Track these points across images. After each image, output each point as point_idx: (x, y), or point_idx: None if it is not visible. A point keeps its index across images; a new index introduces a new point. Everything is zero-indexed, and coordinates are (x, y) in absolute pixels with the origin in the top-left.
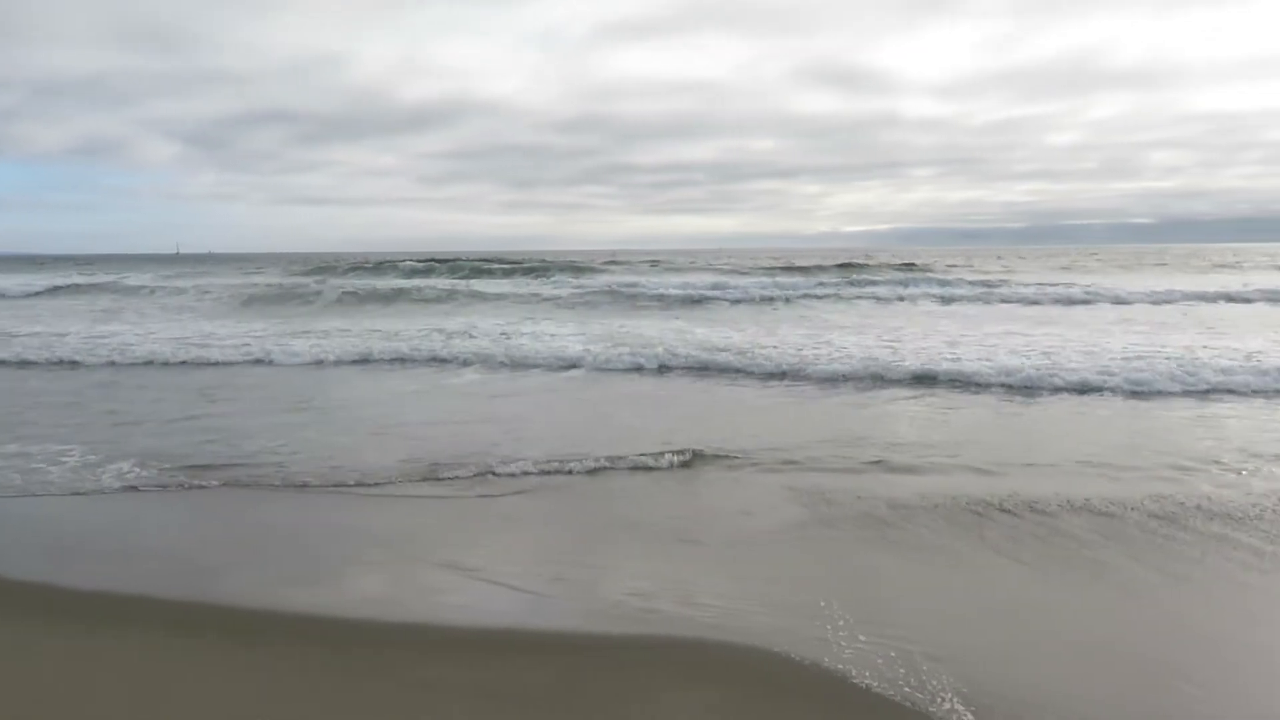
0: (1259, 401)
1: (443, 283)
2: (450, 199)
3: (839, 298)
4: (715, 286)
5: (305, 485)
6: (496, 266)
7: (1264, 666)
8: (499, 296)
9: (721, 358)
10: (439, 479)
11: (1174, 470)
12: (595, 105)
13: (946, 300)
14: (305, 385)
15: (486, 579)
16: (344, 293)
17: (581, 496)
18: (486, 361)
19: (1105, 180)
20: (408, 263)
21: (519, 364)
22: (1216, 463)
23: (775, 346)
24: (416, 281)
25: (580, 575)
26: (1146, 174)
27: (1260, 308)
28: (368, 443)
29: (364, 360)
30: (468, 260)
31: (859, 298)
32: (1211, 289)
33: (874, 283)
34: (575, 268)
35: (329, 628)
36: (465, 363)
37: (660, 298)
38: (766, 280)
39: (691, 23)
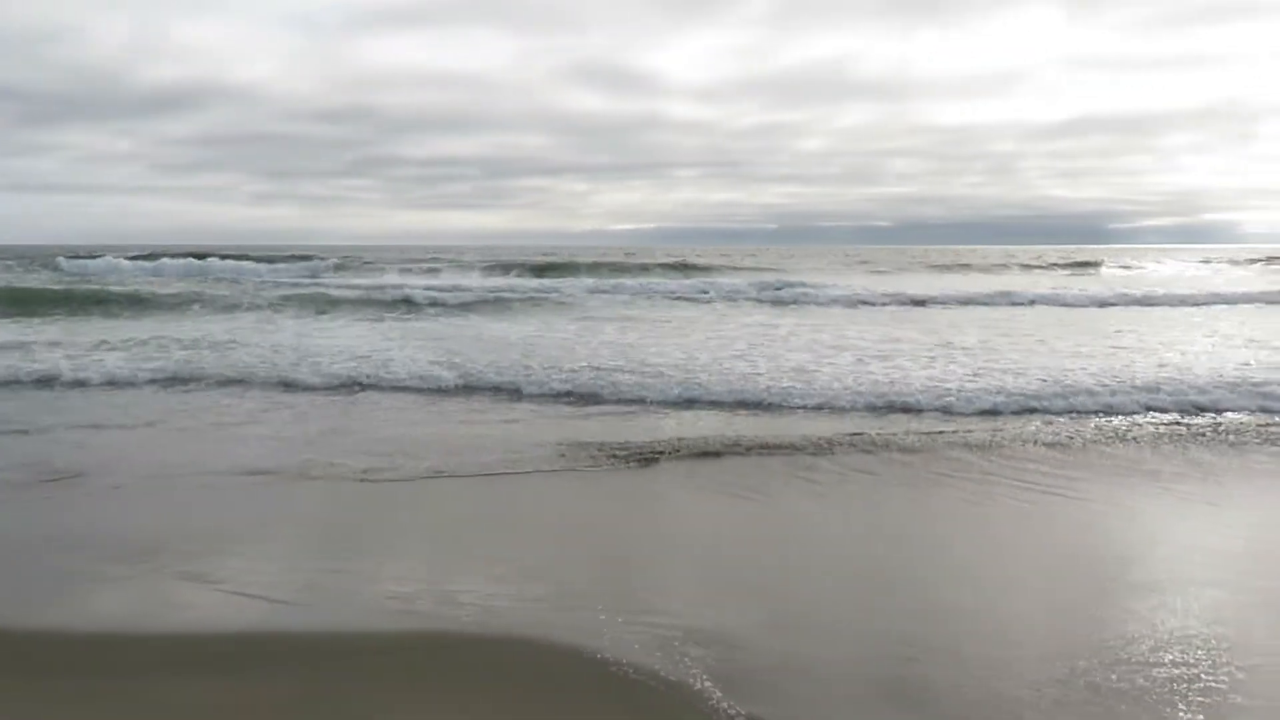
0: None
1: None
2: (196, 188)
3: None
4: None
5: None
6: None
7: (1013, 595)
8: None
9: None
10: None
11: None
12: (358, 95)
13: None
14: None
15: (231, 589)
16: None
17: (337, 499)
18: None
19: (850, 185)
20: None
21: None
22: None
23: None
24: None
25: (335, 580)
26: (886, 180)
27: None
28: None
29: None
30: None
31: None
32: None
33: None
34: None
35: (38, 645)
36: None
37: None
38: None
39: (461, 14)
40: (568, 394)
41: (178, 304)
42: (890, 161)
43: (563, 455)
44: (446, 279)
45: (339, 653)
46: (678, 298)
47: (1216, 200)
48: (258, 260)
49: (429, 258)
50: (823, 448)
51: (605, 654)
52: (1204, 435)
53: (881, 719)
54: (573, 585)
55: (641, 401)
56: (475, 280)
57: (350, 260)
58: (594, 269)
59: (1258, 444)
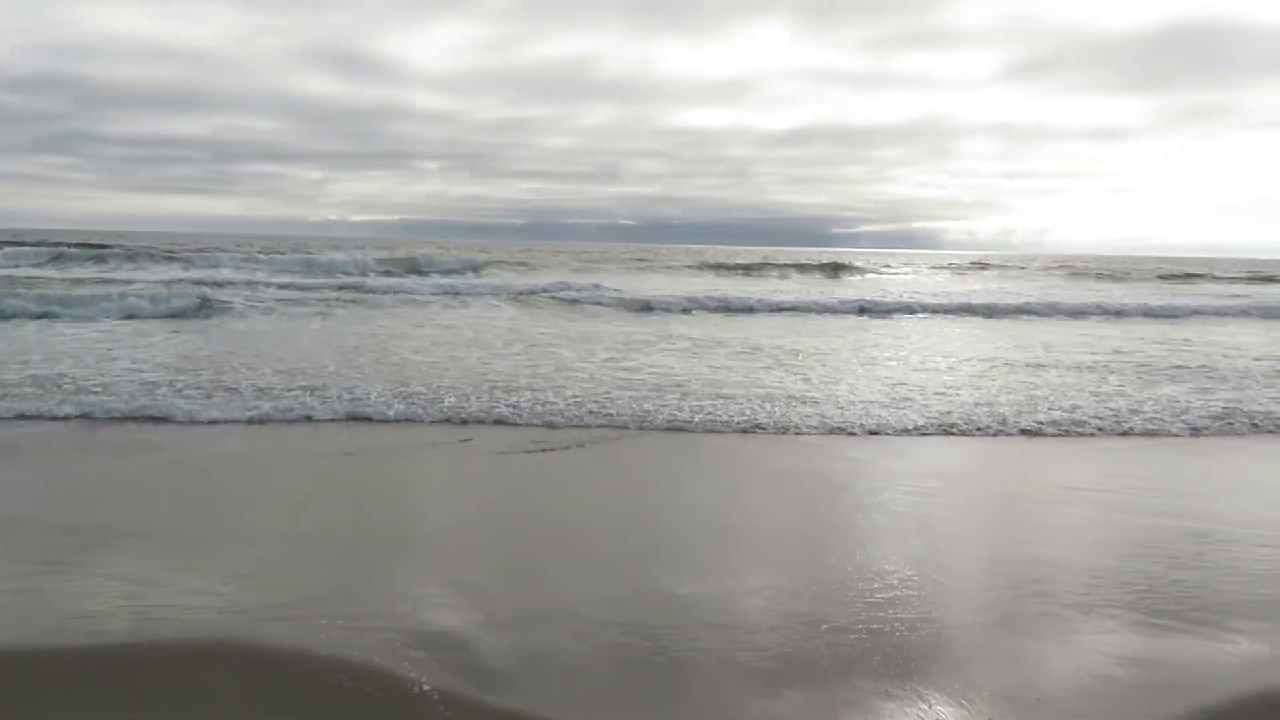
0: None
1: None
2: None
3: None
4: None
5: None
6: None
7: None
8: None
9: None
10: None
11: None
12: (60, 63)
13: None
14: None
15: None
16: None
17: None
18: None
19: (596, 184)
20: None
21: None
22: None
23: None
24: None
25: (12, 599)
26: (630, 180)
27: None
28: None
29: None
30: None
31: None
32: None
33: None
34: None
35: None
36: None
37: None
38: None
39: None
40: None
41: None
42: (634, 162)
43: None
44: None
45: (16, 675)
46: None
47: (923, 210)
48: None
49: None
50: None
51: (323, 661)
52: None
53: (627, 700)
54: (290, 590)
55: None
56: (263, 275)
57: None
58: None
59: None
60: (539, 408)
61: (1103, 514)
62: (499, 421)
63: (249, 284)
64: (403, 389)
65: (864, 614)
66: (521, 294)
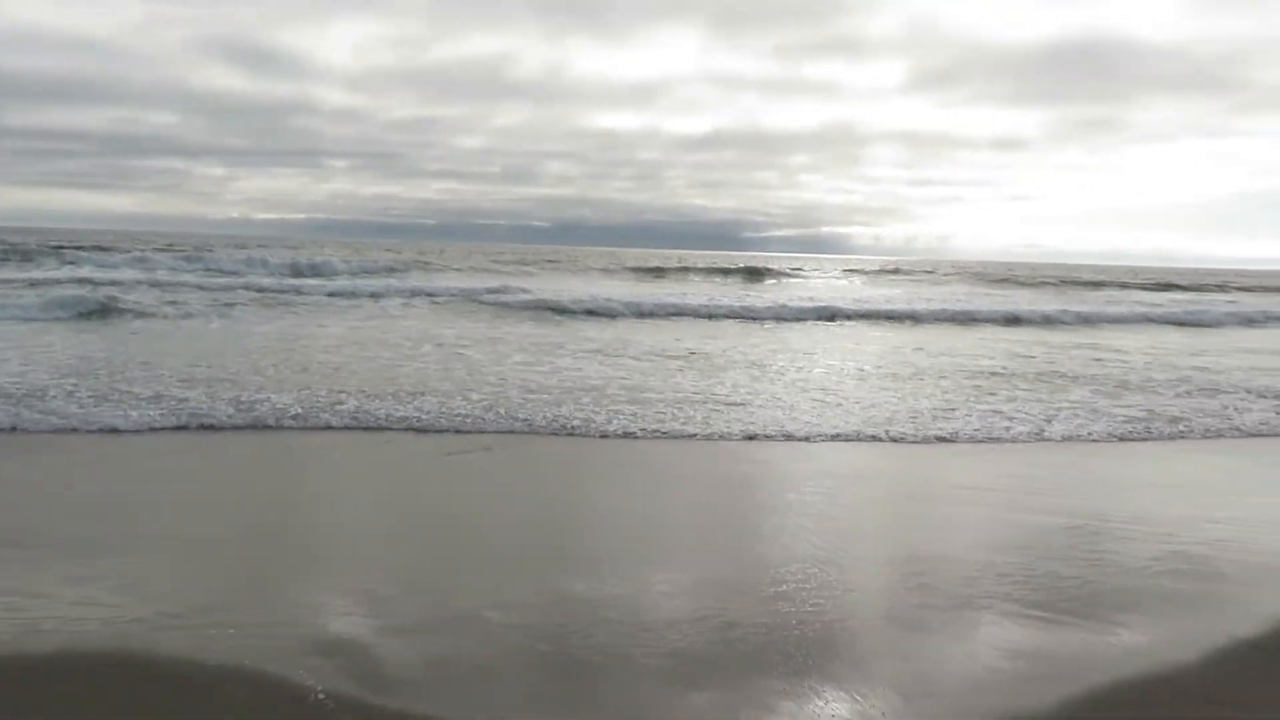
0: None
1: None
2: None
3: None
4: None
5: None
6: None
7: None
8: None
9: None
10: None
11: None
12: None
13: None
14: None
15: None
16: None
17: None
18: None
19: (509, 184)
20: None
21: None
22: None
23: None
24: None
25: None
26: (544, 181)
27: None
28: None
29: None
30: None
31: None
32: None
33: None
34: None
35: None
36: None
37: None
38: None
39: None
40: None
41: None
42: (547, 163)
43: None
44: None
45: None
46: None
47: (832, 215)
48: None
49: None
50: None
51: (215, 670)
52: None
53: (531, 702)
54: (184, 599)
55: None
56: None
57: None
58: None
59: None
60: (447, 411)
61: (995, 512)
62: (406, 426)
63: (148, 284)
64: (306, 392)
65: (765, 612)
66: (432, 295)
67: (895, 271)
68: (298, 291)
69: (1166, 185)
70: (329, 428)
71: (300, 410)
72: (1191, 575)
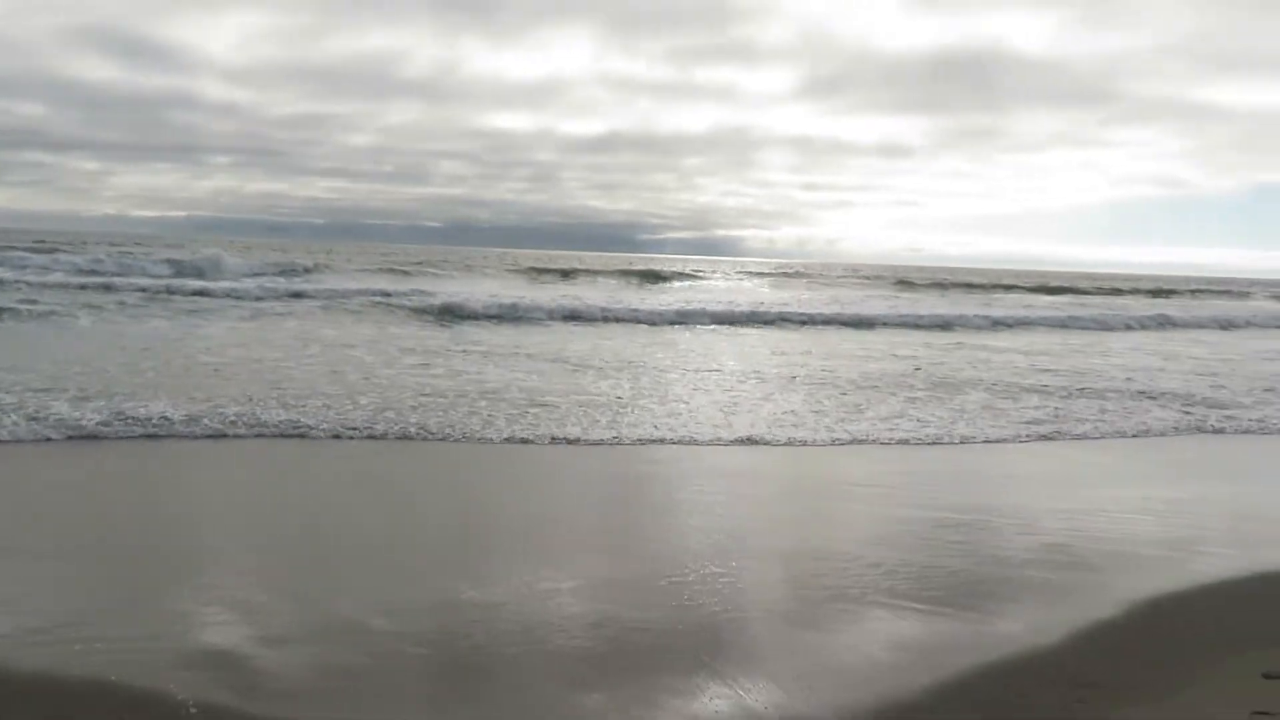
0: None
1: None
2: None
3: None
4: None
5: None
6: None
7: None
8: None
9: None
10: None
11: None
12: None
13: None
14: None
15: None
16: None
17: None
18: None
19: (401, 184)
20: None
21: None
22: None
23: None
24: None
25: None
26: (436, 181)
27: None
28: None
29: None
30: None
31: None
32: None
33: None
34: None
35: None
36: None
37: None
38: None
39: None
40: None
41: None
42: (440, 163)
43: None
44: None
45: None
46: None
47: (726, 218)
48: None
49: None
50: None
51: (80, 686)
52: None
53: (416, 709)
54: (48, 614)
55: None
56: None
57: None
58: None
59: None
60: (334, 415)
61: (880, 509)
62: (293, 431)
63: (15, 283)
64: (185, 397)
65: (655, 612)
66: (320, 296)
67: (791, 274)
68: (178, 292)
69: (1040, 193)
70: (209, 435)
71: (178, 416)
72: (1057, 564)
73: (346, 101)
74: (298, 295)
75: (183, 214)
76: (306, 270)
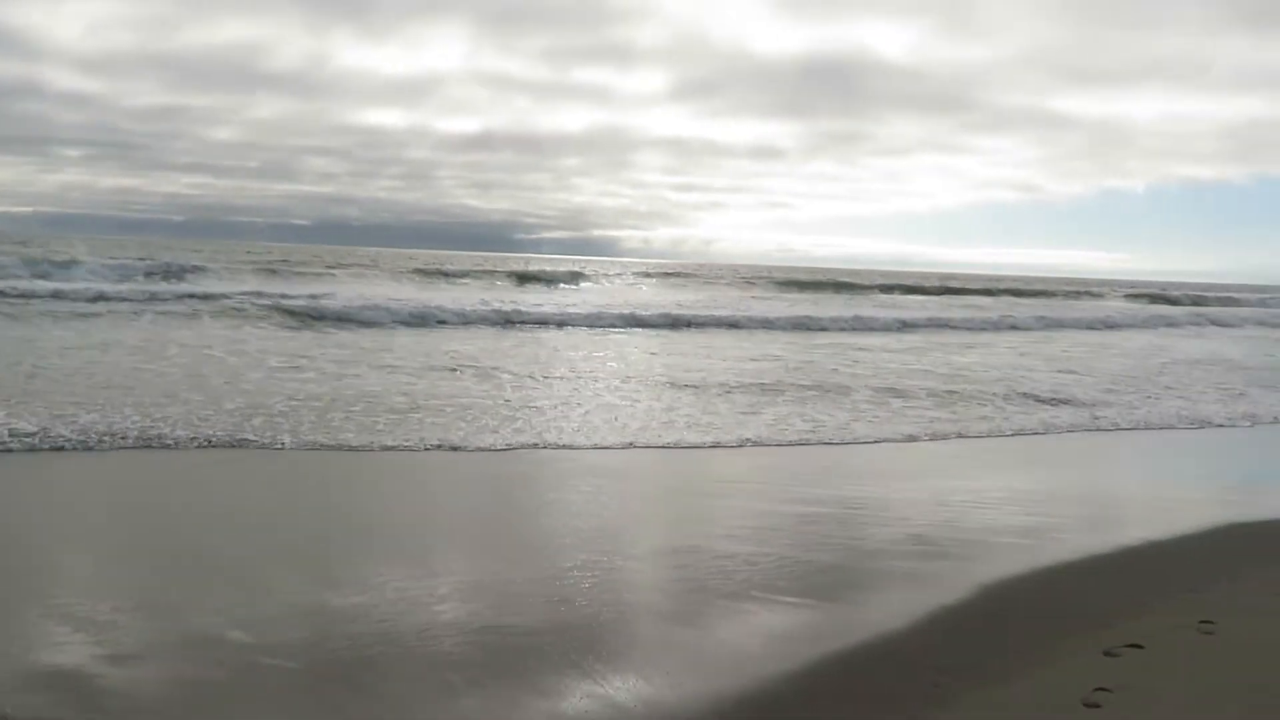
0: None
1: None
2: None
3: None
4: None
5: None
6: None
7: None
8: None
9: None
10: None
11: None
12: None
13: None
14: None
15: None
16: None
17: None
18: None
19: (267, 180)
20: None
21: None
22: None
23: None
24: None
25: None
26: (305, 178)
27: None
28: None
29: None
30: None
31: None
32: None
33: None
34: None
35: None
36: None
37: None
38: None
39: None
40: None
41: None
42: (309, 159)
43: None
44: None
45: None
46: None
47: (602, 218)
48: None
49: None
50: None
51: None
52: None
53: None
54: None
55: None
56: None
57: None
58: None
59: None
60: (194, 423)
61: (753, 504)
62: (143, 442)
63: None
64: (25, 406)
65: (525, 614)
66: (181, 297)
67: (669, 275)
68: (25, 296)
69: (905, 196)
70: (57, 446)
71: (22, 426)
72: (919, 555)
73: (209, 94)
74: (155, 296)
75: (28, 209)
76: (166, 269)
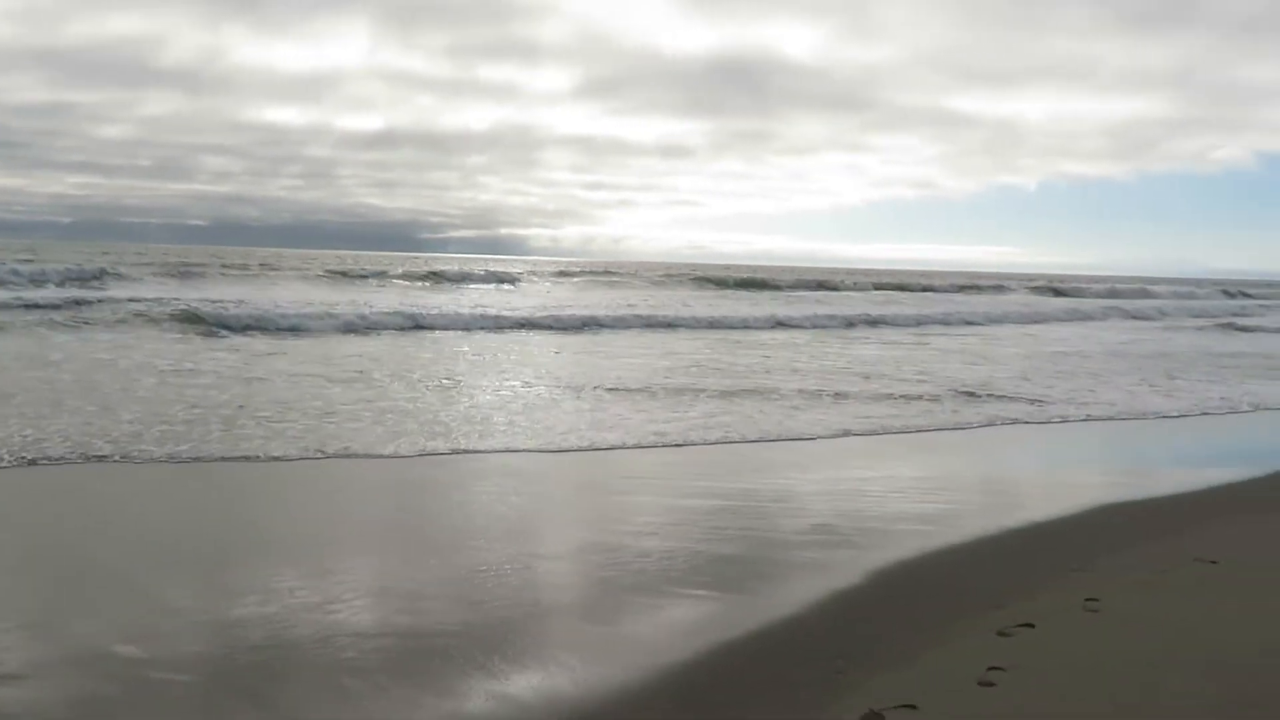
0: None
1: None
2: None
3: None
4: None
5: None
6: None
7: None
8: None
9: None
10: None
11: None
12: None
13: None
14: None
15: None
16: None
17: None
18: None
19: (161, 179)
20: None
21: None
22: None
23: None
24: None
25: None
26: (200, 177)
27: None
28: None
29: None
30: None
31: None
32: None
33: None
34: None
35: None
36: None
37: None
38: None
39: None
40: None
41: None
42: (204, 157)
43: None
44: None
45: None
46: None
47: (510, 216)
48: None
49: None
50: None
51: None
52: None
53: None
54: None
55: None
56: None
57: None
58: None
59: None
60: (82, 437)
61: (662, 499)
62: (28, 456)
63: None
64: None
65: (430, 618)
66: (64, 304)
67: (581, 274)
68: None
69: (810, 193)
70: None
71: None
72: (822, 544)
73: (95, 90)
74: (35, 304)
75: None
76: (51, 274)
